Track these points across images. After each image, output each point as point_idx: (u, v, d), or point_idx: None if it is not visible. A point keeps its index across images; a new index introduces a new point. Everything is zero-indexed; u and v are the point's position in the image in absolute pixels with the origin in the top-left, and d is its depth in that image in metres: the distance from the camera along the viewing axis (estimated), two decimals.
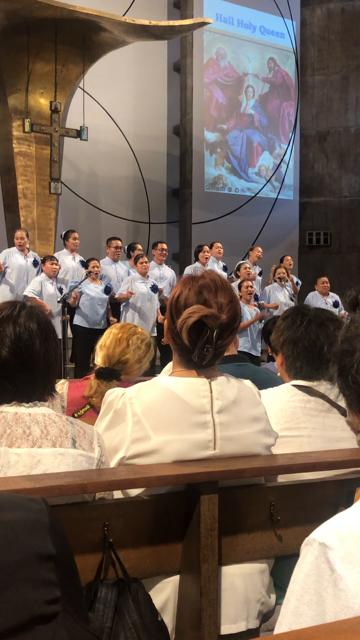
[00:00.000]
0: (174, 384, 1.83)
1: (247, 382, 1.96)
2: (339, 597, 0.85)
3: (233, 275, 10.34)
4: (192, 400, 1.81)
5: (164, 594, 1.75)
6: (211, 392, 1.83)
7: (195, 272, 1.91)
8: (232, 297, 1.85)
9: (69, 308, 8.74)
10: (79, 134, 10.69)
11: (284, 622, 0.90)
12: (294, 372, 2.24)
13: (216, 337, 1.78)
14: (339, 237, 14.82)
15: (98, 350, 2.88)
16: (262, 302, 10.06)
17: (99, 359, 2.87)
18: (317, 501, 1.91)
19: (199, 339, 1.78)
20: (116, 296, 9.18)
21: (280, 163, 14.66)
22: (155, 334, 9.27)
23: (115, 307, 9.36)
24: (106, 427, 1.85)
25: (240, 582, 1.80)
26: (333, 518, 0.94)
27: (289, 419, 2.12)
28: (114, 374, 2.83)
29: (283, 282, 10.19)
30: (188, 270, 10.13)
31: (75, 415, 2.78)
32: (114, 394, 1.86)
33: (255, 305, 9.53)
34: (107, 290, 9.16)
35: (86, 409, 2.79)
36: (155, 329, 9.25)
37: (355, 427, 1.09)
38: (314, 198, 15.01)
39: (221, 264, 10.63)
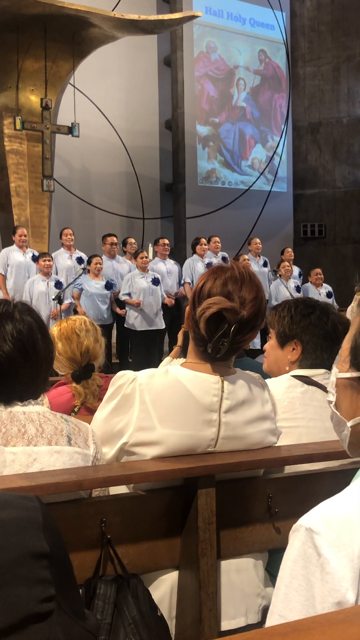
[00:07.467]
0: (187, 377, 1.79)
1: (259, 379, 1.92)
2: (327, 581, 0.86)
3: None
4: (202, 398, 1.78)
5: (163, 588, 1.75)
6: (222, 390, 1.80)
7: (226, 263, 1.86)
8: (257, 293, 1.78)
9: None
10: (70, 130, 10.67)
11: (275, 610, 0.90)
12: (311, 360, 2.20)
13: (234, 332, 1.73)
14: (333, 228, 14.81)
15: (55, 363, 2.70)
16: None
17: (61, 369, 2.78)
18: (315, 492, 1.90)
19: (216, 331, 1.74)
20: (122, 299, 9.23)
21: (273, 155, 14.63)
22: (161, 327, 9.31)
23: (119, 301, 9.41)
24: (112, 410, 1.79)
25: (235, 577, 1.79)
26: (320, 504, 0.94)
27: (286, 409, 2.10)
28: (88, 368, 2.77)
29: (286, 275, 10.21)
30: (187, 262, 10.16)
31: None
32: (125, 378, 1.80)
33: None
34: (108, 285, 9.17)
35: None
36: (162, 318, 9.26)
37: None
38: (308, 190, 14.99)
39: (220, 254, 10.63)
